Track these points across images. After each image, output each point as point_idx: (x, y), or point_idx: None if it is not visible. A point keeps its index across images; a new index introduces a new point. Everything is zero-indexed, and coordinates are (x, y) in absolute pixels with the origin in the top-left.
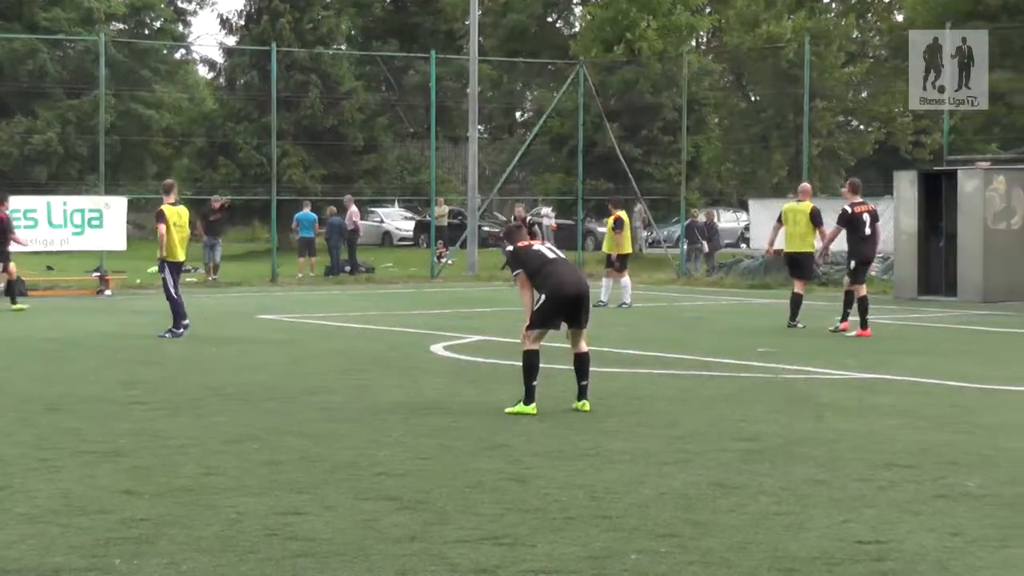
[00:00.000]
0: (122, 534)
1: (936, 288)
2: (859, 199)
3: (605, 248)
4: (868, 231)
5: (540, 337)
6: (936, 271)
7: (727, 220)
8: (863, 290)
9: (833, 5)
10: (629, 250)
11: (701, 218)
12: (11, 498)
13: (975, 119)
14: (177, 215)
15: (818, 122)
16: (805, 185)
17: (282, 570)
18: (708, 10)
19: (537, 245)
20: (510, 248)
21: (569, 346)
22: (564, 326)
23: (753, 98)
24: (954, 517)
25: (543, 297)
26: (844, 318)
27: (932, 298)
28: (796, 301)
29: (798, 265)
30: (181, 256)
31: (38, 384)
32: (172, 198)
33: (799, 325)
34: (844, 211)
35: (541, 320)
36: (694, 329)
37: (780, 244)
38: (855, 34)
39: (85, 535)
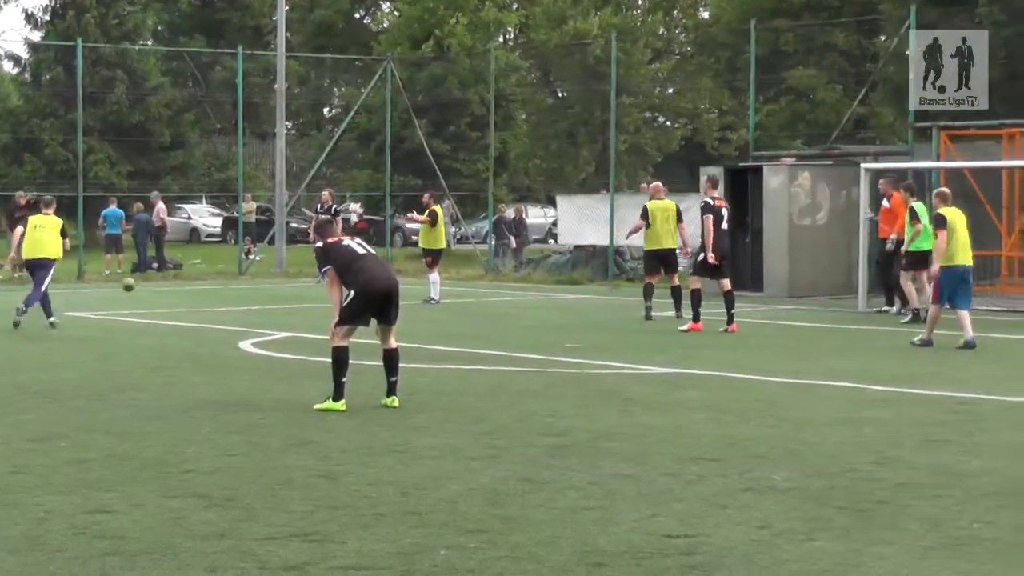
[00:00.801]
0: None
1: (743, 283)
2: (717, 193)
3: (421, 243)
4: (724, 225)
5: (349, 333)
6: (743, 266)
7: (535, 216)
8: (699, 283)
9: (639, 2)
10: (442, 245)
11: (509, 214)
12: None
13: (779, 116)
14: None
15: (625, 118)
16: (658, 184)
17: (90, 569)
18: (515, 6)
19: (347, 241)
20: (319, 244)
21: (378, 342)
22: (373, 322)
23: (560, 94)
24: (761, 510)
25: (352, 293)
26: (731, 320)
27: (739, 293)
28: (678, 293)
29: (669, 261)
30: None
31: None
32: None
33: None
34: (707, 203)
35: (350, 316)
36: (502, 325)
37: (636, 241)
38: (661, 31)
39: None
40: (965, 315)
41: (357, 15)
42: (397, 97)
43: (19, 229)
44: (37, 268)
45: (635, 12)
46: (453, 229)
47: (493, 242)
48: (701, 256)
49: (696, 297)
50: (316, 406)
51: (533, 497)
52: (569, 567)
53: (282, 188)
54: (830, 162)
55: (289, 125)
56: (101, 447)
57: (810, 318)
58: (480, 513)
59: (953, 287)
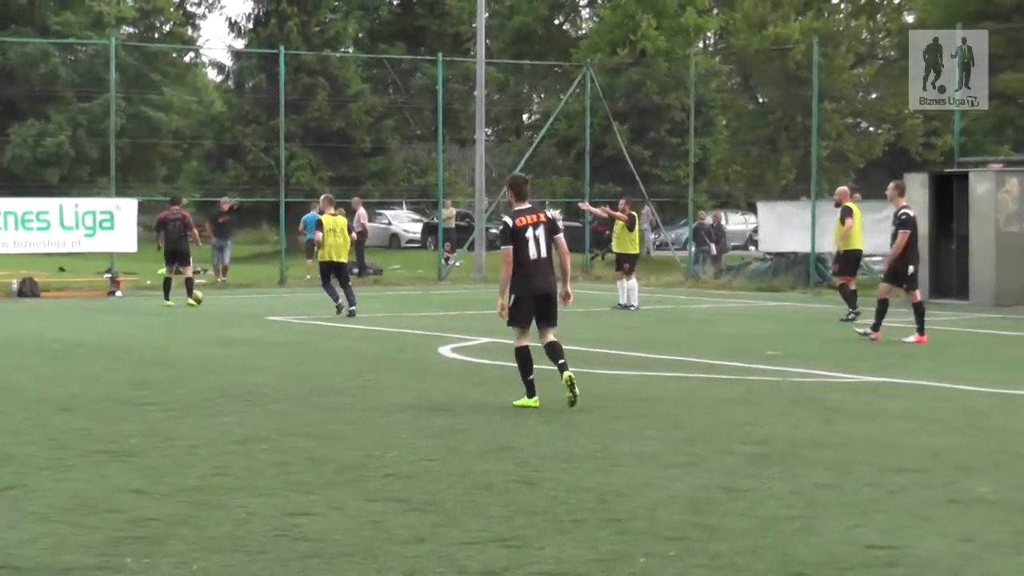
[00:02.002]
0: (133, 533)
1: (947, 291)
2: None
3: (616, 248)
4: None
5: (523, 334)
6: (947, 274)
7: (735, 222)
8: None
9: (842, 6)
10: (638, 251)
11: (709, 220)
12: (24, 497)
13: (986, 121)
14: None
15: (827, 124)
16: (844, 189)
17: (291, 571)
18: (715, 11)
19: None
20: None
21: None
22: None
23: (761, 100)
24: (966, 522)
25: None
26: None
27: (944, 301)
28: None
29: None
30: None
31: (50, 385)
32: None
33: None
34: (908, 216)
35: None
36: (702, 332)
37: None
38: (864, 35)
39: (96, 534)
40: None
41: (556, 21)
42: (596, 103)
43: (318, 235)
44: (336, 270)
45: (837, 16)
46: (652, 236)
47: (693, 249)
48: (911, 269)
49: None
50: (515, 402)
51: (733, 505)
52: None
53: (482, 194)
54: None
55: (488, 131)
56: (301, 450)
57: (1017, 327)
58: (679, 521)
59: None
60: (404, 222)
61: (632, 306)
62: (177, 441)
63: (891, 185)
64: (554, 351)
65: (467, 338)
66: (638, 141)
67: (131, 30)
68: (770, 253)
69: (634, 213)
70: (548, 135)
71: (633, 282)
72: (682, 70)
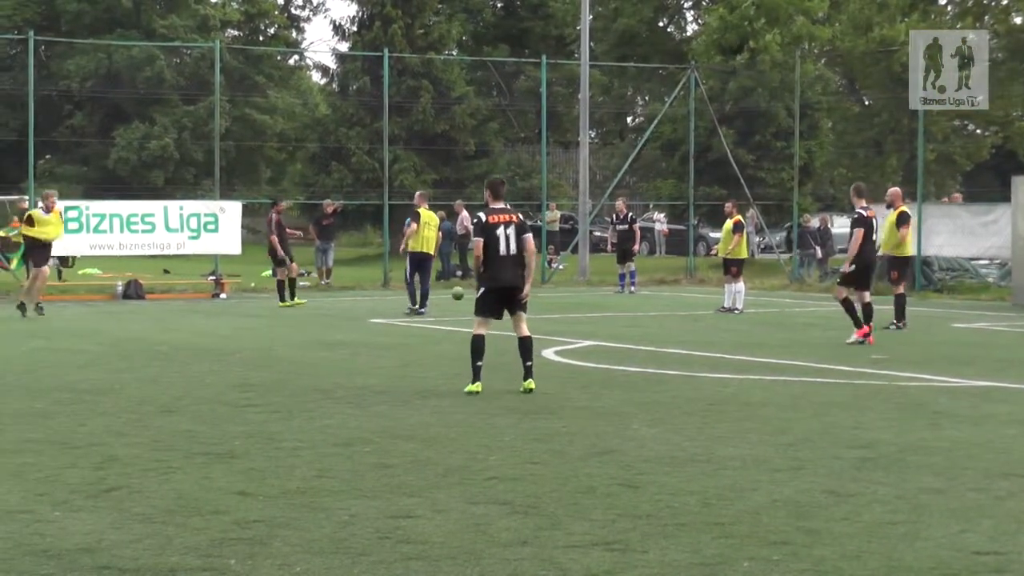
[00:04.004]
0: (236, 535)
1: None
2: (866, 203)
3: (721, 252)
4: (874, 236)
5: (482, 324)
6: None
7: (841, 225)
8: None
9: (948, 8)
10: (745, 255)
11: (814, 223)
12: (128, 498)
13: None
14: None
15: (933, 127)
16: (897, 190)
17: (393, 573)
18: (823, 16)
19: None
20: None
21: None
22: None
23: (867, 102)
24: None
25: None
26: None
27: None
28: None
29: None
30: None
31: (153, 386)
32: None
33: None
34: (861, 215)
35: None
36: (806, 335)
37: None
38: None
39: (200, 535)
40: None
41: (661, 23)
42: (702, 106)
43: (413, 225)
44: (424, 261)
45: (944, 18)
46: (757, 239)
47: (798, 252)
48: (852, 267)
49: (848, 305)
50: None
51: (838, 510)
52: None
53: (585, 197)
54: None
55: (592, 134)
56: (404, 452)
57: None
58: (784, 525)
59: None
60: None
61: (737, 309)
62: (280, 443)
63: (853, 187)
64: (525, 349)
65: (571, 341)
66: (743, 144)
67: (236, 33)
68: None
69: (740, 217)
70: (652, 138)
71: (740, 285)
72: (788, 73)
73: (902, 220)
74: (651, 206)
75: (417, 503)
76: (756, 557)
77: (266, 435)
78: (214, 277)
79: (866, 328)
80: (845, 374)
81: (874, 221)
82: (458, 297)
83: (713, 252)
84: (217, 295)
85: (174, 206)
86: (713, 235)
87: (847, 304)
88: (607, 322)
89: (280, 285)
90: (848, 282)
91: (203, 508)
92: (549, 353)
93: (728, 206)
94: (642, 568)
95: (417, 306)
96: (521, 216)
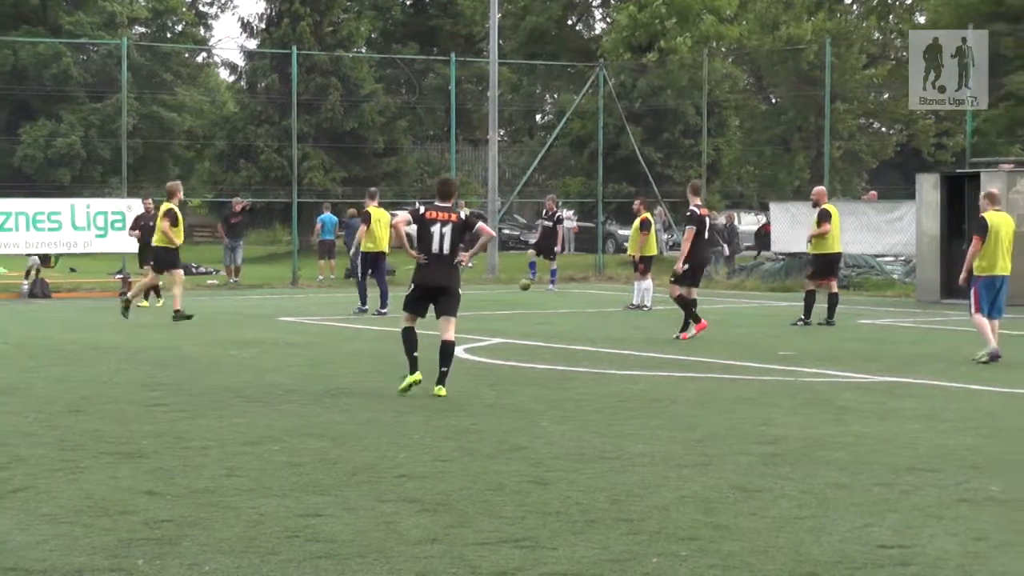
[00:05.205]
0: (145, 535)
1: (959, 291)
2: (700, 201)
3: (630, 250)
4: (706, 235)
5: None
6: (959, 274)
7: (748, 223)
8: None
9: (854, 7)
10: (654, 252)
11: (721, 221)
12: (35, 499)
13: (998, 121)
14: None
15: (839, 124)
16: (822, 189)
17: (303, 572)
18: (730, 15)
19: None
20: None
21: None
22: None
23: (774, 100)
24: (977, 522)
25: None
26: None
27: (955, 301)
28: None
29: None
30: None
31: (60, 386)
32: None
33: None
34: (693, 212)
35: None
36: (714, 332)
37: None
38: (876, 36)
39: (108, 536)
40: (995, 324)
41: (569, 22)
42: (611, 104)
43: (363, 227)
44: (378, 260)
45: (849, 17)
46: (665, 236)
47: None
48: (687, 266)
49: (686, 303)
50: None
51: (745, 505)
52: None
53: (494, 195)
54: None
55: (501, 132)
56: (314, 451)
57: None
58: (692, 521)
59: (991, 297)
60: None
61: (645, 306)
62: (189, 442)
63: (689, 185)
64: (446, 355)
65: (481, 339)
66: (651, 142)
67: (143, 30)
68: (782, 253)
69: (648, 214)
70: (561, 135)
71: (648, 283)
72: (696, 72)
73: (822, 217)
74: (559, 204)
75: (327, 501)
76: (665, 553)
77: (174, 434)
78: (121, 276)
79: (703, 323)
80: (753, 370)
81: (707, 220)
82: (525, 288)
83: (634, 255)
84: (124, 294)
85: (81, 204)
86: (622, 232)
87: (681, 301)
88: (517, 320)
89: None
90: (681, 280)
91: (111, 508)
92: (459, 351)
93: (636, 204)
94: (551, 565)
95: (379, 306)
96: (465, 216)
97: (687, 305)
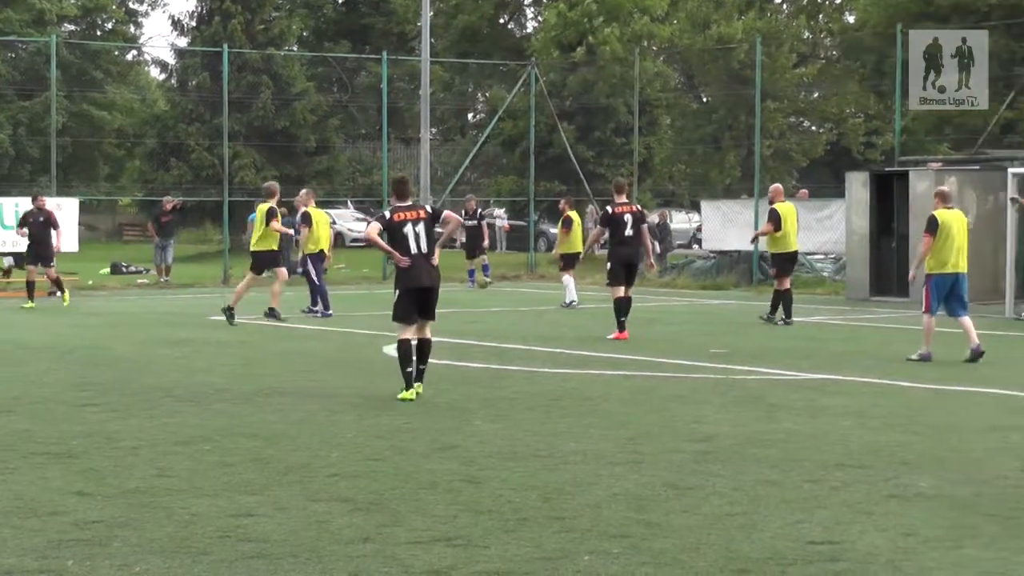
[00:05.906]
0: (75, 536)
1: (888, 289)
2: (622, 199)
3: (560, 248)
4: (629, 232)
5: (405, 329)
6: (888, 272)
7: (679, 221)
8: (621, 291)
9: (784, 6)
10: (578, 249)
11: (653, 219)
12: None
13: (926, 120)
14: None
15: (770, 123)
16: (779, 186)
17: (235, 572)
18: (662, 14)
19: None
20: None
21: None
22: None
23: (705, 99)
24: (907, 518)
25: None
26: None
27: (884, 299)
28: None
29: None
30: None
31: None
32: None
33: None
34: (606, 212)
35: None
36: (646, 330)
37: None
38: (806, 35)
39: (37, 537)
40: (965, 322)
41: (501, 20)
42: (543, 102)
43: (305, 230)
44: (318, 261)
45: (779, 16)
46: None
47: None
48: (609, 265)
49: (621, 305)
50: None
51: (677, 503)
52: (713, 573)
53: (427, 193)
54: (977, 167)
55: (433, 130)
56: (246, 450)
57: (954, 324)
58: (624, 519)
59: (943, 295)
60: (349, 221)
61: (574, 301)
62: (119, 442)
63: (613, 183)
64: (422, 353)
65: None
66: (583, 140)
67: (73, 28)
68: (714, 251)
69: (572, 213)
70: (493, 134)
71: (567, 278)
72: (628, 71)
73: (769, 217)
74: (492, 202)
75: (258, 501)
76: (597, 550)
77: (105, 434)
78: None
79: (624, 334)
80: (684, 368)
81: (628, 217)
82: (483, 286)
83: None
84: (54, 293)
85: (9, 203)
86: (553, 231)
87: (615, 303)
88: (449, 318)
89: (30, 285)
90: (611, 280)
91: (40, 509)
92: (391, 350)
93: (562, 203)
94: (484, 563)
95: (327, 309)
96: (431, 208)
97: (619, 309)
